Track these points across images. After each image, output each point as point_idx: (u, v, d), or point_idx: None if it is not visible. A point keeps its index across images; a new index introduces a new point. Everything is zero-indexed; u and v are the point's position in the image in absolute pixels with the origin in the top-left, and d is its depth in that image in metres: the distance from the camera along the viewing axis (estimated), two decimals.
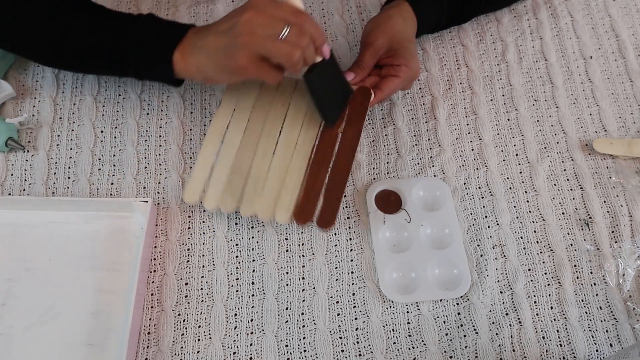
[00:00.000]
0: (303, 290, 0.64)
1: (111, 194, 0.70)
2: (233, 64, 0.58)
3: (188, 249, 0.67)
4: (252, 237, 0.67)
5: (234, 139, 0.68)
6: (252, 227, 0.68)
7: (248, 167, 0.66)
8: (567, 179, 0.71)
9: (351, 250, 0.67)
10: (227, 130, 0.68)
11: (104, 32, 0.63)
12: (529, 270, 0.65)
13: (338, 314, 0.63)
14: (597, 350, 0.61)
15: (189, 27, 0.63)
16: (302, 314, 0.63)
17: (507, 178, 0.71)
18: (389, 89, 0.69)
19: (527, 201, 0.70)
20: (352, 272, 0.65)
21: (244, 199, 0.64)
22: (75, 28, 0.64)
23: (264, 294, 0.64)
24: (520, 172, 0.72)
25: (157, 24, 0.64)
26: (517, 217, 0.69)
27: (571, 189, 0.71)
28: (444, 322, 0.63)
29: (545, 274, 0.65)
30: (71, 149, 0.73)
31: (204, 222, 0.68)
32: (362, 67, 0.69)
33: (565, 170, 0.72)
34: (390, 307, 0.63)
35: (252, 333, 0.62)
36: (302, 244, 0.67)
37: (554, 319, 0.63)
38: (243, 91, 0.71)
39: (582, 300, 0.64)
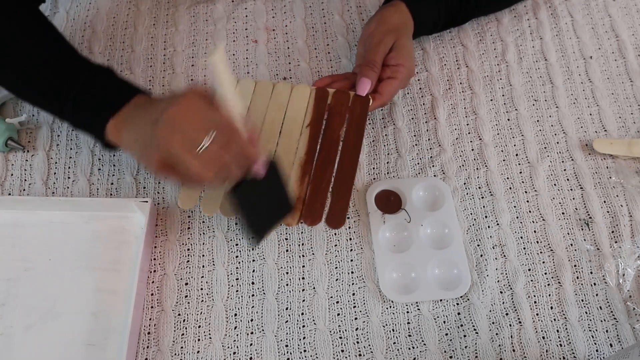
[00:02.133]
0: (303, 290, 0.64)
1: (111, 194, 0.70)
2: (147, 161, 0.53)
3: (188, 249, 0.67)
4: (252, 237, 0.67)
5: None
6: None
7: None
8: (567, 179, 0.71)
9: (351, 250, 0.67)
10: None
11: (58, 70, 0.60)
12: (529, 270, 0.65)
13: (338, 314, 0.63)
14: (597, 350, 0.61)
15: (134, 94, 0.58)
16: (302, 314, 0.63)
17: (507, 178, 0.71)
18: (389, 92, 0.69)
19: (527, 201, 0.70)
20: (352, 272, 0.65)
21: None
22: (35, 55, 0.61)
23: (264, 294, 0.64)
24: (520, 172, 0.72)
25: (104, 84, 0.60)
26: (517, 217, 0.69)
27: (571, 189, 0.71)
28: (444, 322, 0.63)
29: (545, 274, 0.65)
30: (71, 149, 0.73)
31: (204, 222, 0.68)
32: (374, 69, 0.69)
33: (565, 170, 0.72)
34: (390, 307, 0.63)
35: (252, 333, 0.62)
36: (302, 244, 0.67)
37: (554, 319, 0.63)
38: (238, 93, 0.70)
39: (582, 300, 0.64)
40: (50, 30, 0.64)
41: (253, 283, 0.65)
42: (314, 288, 0.64)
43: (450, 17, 0.77)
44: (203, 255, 0.66)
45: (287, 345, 0.61)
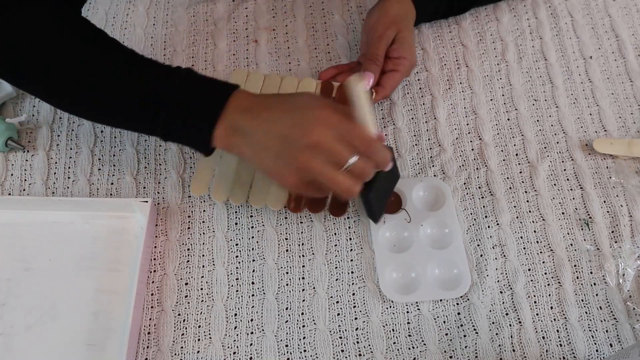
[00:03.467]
0: (303, 290, 0.64)
1: (111, 194, 0.70)
2: (279, 179, 0.53)
3: (188, 249, 0.67)
4: (252, 237, 0.67)
5: None
6: (252, 227, 0.68)
7: None
8: (567, 179, 0.71)
9: (351, 250, 0.67)
10: None
11: (135, 86, 0.55)
12: (529, 270, 0.65)
13: (338, 314, 0.63)
14: (597, 350, 0.61)
15: (230, 92, 0.54)
16: (302, 313, 0.63)
17: (507, 178, 0.71)
18: (391, 85, 0.70)
19: (527, 201, 0.70)
20: (352, 272, 0.65)
21: (252, 190, 0.65)
22: (105, 73, 0.55)
23: (264, 294, 0.64)
24: (520, 172, 0.72)
25: (196, 84, 0.55)
26: (517, 217, 0.69)
27: (571, 189, 0.71)
28: (444, 322, 0.63)
29: (545, 274, 0.65)
30: (71, 149, 0.73)
31: (204, 222, 0.68)
32: (378, 63, 0.69)
33: (565, 170, 0.72)
34: (390, 307, 0.63)
35: (252, 333, 0.62)
36: (302, 244, 0.67)
37: (554, 319, 0.63)
38: (247, 87, 0.72)
39: (582, 300, 0.64)
40: (106, 38, 0.58)
41: (253, 283, 0.65)
42: (314, 288, 0.64)
43: (449, 4, 0.79)
44: (203, 255, 0.66)
45: (287, 345, 0.61)
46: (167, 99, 0.54)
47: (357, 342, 0.62)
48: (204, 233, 0.68)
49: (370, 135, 0.53)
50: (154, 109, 0.55)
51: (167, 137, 0.57)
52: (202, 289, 0.64)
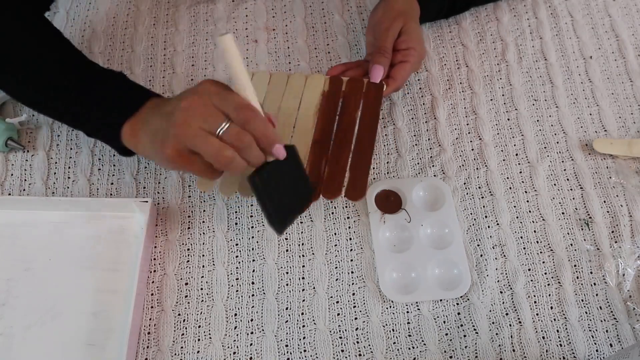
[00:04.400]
0: (303, 290, 0.64)
1: (111, 194, 0.70)
2: (163, 152, 0.52)
3: (188, 249, 0.67)
4: (252, 237, 0.67)
5: None
6: (252, 227, 0.68)
7: None
8: (567, 179, 0.71)
9: (351, 250, 0.67)
10: None
11: (67, 80, 0.60)
12: (529, 270, 0.65)
13: (338, 314, 0.63)
14: (597, 350, 0.61)
15: (149, 97, 0.58)
16: (302, 313, 0.63)
17: (507, 178, 0.71)
18: (402, 76, 0.70)
19: (527, 201, 0.70)
20: (352, 272, 0.65)
21: None
22: (45, 63, 0.60)
23: (264, 294, 0.64)
24: (520, 172, 0.72)
25: (120, 86, 0.60)
26: (517, 217, 0.69)
27: (571, 189, 0.71)
28: (444, 322, 0.63)
29: (545, 274, 0.65)
30: (71, 149, 0.73)
31: (204, 222, 0.68)
32: (386, 55, 0.70)
33: (565, 170, 0.72)
34: (390, 307, 0.63)
35: (252, 333, 0.62)
36: (302, 244, 0.67)
37: (554, 319, 0.63)
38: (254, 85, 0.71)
39: (582, 300, 0.64)
40: (57, 37, 0.63)
41: (253, 283, 0.65)
42: (314, 288, 0.64)
43: (452, 3, 0.79)
44: (203, 255, 0.66)
45: (287, 345, 0.61)
46: (94, 97, 0.59)
47: (357, 342, 0.62)
48: (204, 233, 0.68)
49: (244, 101, 0.52)
50: (80, 105, 0.59)
51: (90, 134, 0.63)
52: (202, 289, 0.64)
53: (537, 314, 0.63)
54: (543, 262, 0.66)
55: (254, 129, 0.51)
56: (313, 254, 0.66)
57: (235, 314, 0.63)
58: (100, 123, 0.59)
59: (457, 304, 0.64)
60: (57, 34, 0.64)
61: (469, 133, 0.75)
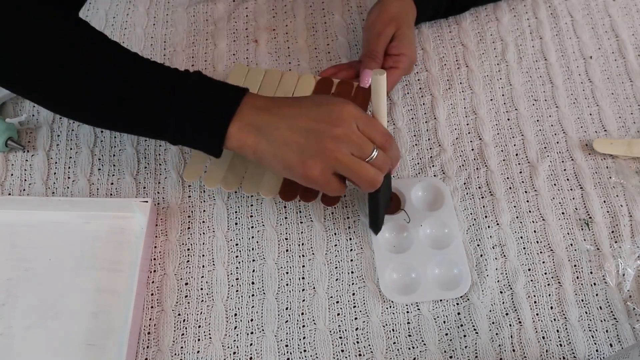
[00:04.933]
0: (303, 290, 0.64)
1: (111, 194, 0.70)
2: (303, 171, 0.53)
3: (188, 249, 0.67)
4: (252, 237, 0.67)
5: None
6: (252, 227, 0.68)
7: None
8: (567, 179, 0.71)
9: (351, 250, 0.67)
10: None
11: (141, 90, 0.54)
12: (529, 270, 0.65)
13: (338, 314, 0.63)
14: (597, 350, 0.61)
15: (243, 93, 0.55)
16: (302, 314, 0.63)
17: (507, 178, 0.71)
18: (391, 82, 0.71)
19: (527, 201, 0.70)
20: (352, 272, 0.65)
21: (245, 178, 0.65)
22: (111, 77, 0.54)
23: (264, 294, 0.64)
24: (520, 172, 0.72)
25: (207, 86, 0.55)
26: (517, 217, 0.69)
27: (571, 189, 0.71)
28: (444, 322, 0.63)
29: (545, 274, 0.65)
30: (71, 149, 0.73)
31: (204, 222, 0.68)
32: (376, 60, 0.70)
33: (565, 170, 0.72)
34: (390, 307, 0.63)
35: (252, 333, 0.62)
36: (302, 244, 0.67)
37: (554, 319, 0.63)
38: (246, 82, 0.72)
39: (582, 300, 0.64)
40: (107, 42, 0.57)
41: (253, 283, 0.65)
42: (314, 288, 0.64)
43: (450, 3, 0.79)
44: (203, 255, 0.66)
45: (287, 345, 0.61)
46: (178, 101, 0.54)
47: (357, 342, 0.62)
48: (204, 233, 0.68)
49: (387, 130, 0.56)
50: (164, 113, 0.54)
51: (176, 142, 0.56)
52: (202, 289, 0.64)
53: (537, 314, 0.63)
54: (543, 262, 0.66)
55: (393, 156, 0.57)
56: (313, 254, 0.66)
57: (235, 314, 0.63)
58: (197, 130, 0.55)
59: (457, 304, 0.64)
60: (104, 38, 0.57)
61: (469, 133, 0.75)
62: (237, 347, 0.61)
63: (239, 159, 0.66)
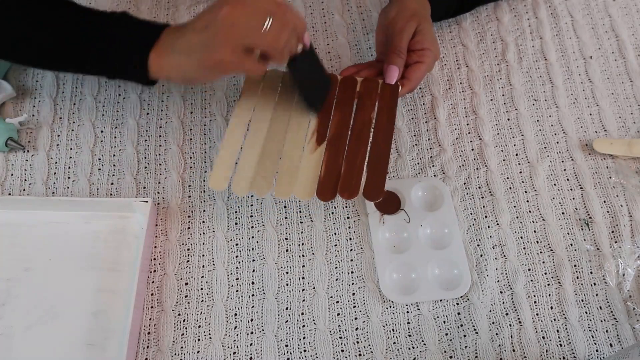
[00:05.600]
0: (303, 290, 0.64)
1: (111, 194, 0.70)
2: (214, 58, 0.56)
3: (188, 249, 0.67)
4: (252, 237, 0.67)
5: (261, 126, 0.66)
6: (252, 227, 0.68)
7: (279, 152, 0.64)
8: (567, 179, 0.71)
9: (351, 250, 0.67)
10: (252, 120, 0.67)
11: (75, 30, 0.61)
12: (529, 270, 0.65)
13: (338, 314, 0.63)
14: (597, 350, 0.61)
15: (164, 27, 0.61)
16: (302, 313, 0.63)
17: (507, 178, 0.71)
18: (417, 77, 0.70)
19: (527, 201, 0.70)
20: (352, 272, 0.65)
21: (278, 182, 0.63)
22: (46, 22, 0.61)
23: (264, 294, 0.64)
24: (520, 172, 0.72)
25: (130, 23, 0.62)
26: (517, 217, 0.69)
27: (571, 189, 0.71)
28: (444, 322, 0.63)
29: (545, 274, 0.65)
30: (71, 149, 0.73)
31: (204, 222, 0.68)
32: (401, 56, 0.69)
33: (565, 170, 0.72)
34: (390, 307, 0.63)
35: (252, 333, 0.62)
36: (302, 244, 0.67)
37: (554, 319, 0.63)
38: (264, 84, 0.70)
39: (582, 300, 0.64)
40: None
41: (253, 283, 0.65)
42: (314, 288, 0.65)
43: (460, 3, 0.79)
44: (203, 255, 0.66)
45: (287, 345, 0.61)
46: (105, 35, 0.60)
47: (357, 342, 0.62)
48: (204, 233, 0.68)
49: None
50: (95, 48, 0.60)
51: (109, 73, 0.63)
52: (202, 289, 0.65)
53: (537, 314, 0.63)
54: (543, 262, 0.66)
55: (291, 20, 0.57)
56: (313, 254, 0.66)
57: (235, 314, 0.63)
58: (123, 60, 0.60)
59: (457, 304, 0.64)
60: None
61: (469, 133, 0.75)
62: (237, 347, 0.61)
63: (268, 161, 0.64)
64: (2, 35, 0.62)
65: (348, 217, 0.68)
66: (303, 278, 0.65)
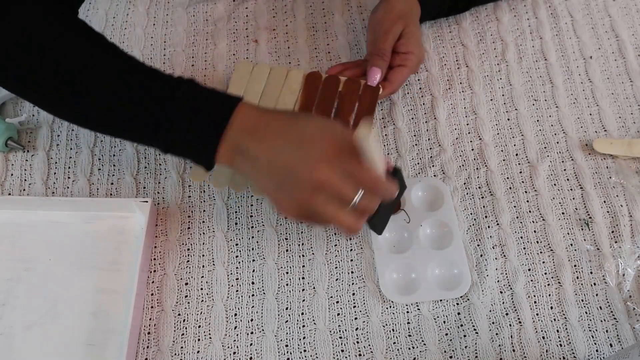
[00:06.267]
0: (303, 290, 0.64)
1: (111, 194, 0.70)
2: (279, 207, 0.53)
3: (188, 249, 0.67)
4: (252, 237, 0.67)
5: None
6: (252, 227, 0.68)
7: None
8: (567, 179, 0.71)
9: (351, 250, 0.67)
10: None
11: (136, 96, 0.53)
12: (529, 270, 0.65)
13: (338, 314, 0.63)
14: (597, 350, 0.61)
15: (235, 104, 0.53)
16: (302, 313, 0.63)
17: (507, 178, 0.71)
18: (399, 80, 0.70)
19: (527, 201, 0.70)
20: (352, 272, 0.65)
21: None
22: (105, 80, 0.53)
23: (264, 294, 0.64)
24: (520, 172, 0.72)
25: (199, 98, 0.53)
26: (517, 217, 0.69)
27: (571, 189, 0.71)
28: (444, 322, 0.63)
29: (545, 274, 0.65)
30: (71, 149, 0.73)
31: (203, 222, 0.68)
32: (384, 58, 0.69)
33: (565, 170, 0.72)
34: (390, 307, 0.63)
35: (252, 333, 0.62)
36: (302, 244, 0.67)
37: (554, 319, 0.63)
38: (249, 85, 0.72)
39: (582, 300, 0.64)
40: (106, 43, 0.55)
41: (253, 283, 0.65)
42: (314, 288, 0.64)
43: (453, 2, 0.79)
44: (203, 255, 0.66)
45: (287, 345, 0.61)
46: (168, 112, 0.52)
47: (357, 342, 0.62)
48: (204, 233, 0.68)
49: (377, 175, 0.52)
50: (155, 122, 0.53)
51: (167, 151, 0.55)
52: (202, 289, 0.64)
53: (537, 314, 0.63)
54: (543, 262, 0.66)
55: (383, 195, 0.54)
56: (313, 254, 0.66)
57: (235, 314, 0.63)
58: (187, 146, 0.54)
59: (457, 304, 0.64)
60: (103, 41, 0.56)
61: (469, 133, 0.75)
62: (237, 347, 0.61)
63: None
64: (58, 90, 0.54)
65: None
66: (303, 278, 0.65)
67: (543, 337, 0.62)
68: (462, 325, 0.62)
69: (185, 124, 0.52)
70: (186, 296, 0.64)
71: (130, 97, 0.53)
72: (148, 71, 0.54)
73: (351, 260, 0.66)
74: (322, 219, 0.52)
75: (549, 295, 0.64)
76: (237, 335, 0.62)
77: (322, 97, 0.69)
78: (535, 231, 0.68)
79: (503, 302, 0.64)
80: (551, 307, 0.63)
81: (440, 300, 0.64)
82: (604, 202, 0.70)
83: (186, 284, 0.65)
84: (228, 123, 0.51)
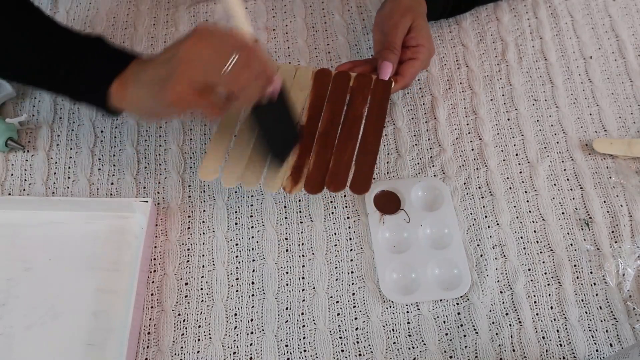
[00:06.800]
0: (303, 290, 0.64)
1: (111, 194, 0.70)
2: (169, 94, 0.52)
3: (188, 249, 0.67)
4: (252, 237, 0.67)
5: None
6: (252, 227, 0.68)
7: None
8: (567, 179, 0.71)
9: (351, 250, 0.67)
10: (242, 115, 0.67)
11: (46, 49, 0.58)
12: (529, 270, 0.65)
13: (338, 314, 0.63)
14: (597, 350, 0.61)
15: (133, 57, 0.58)
16: (302, 313, 0.63)
17: (507, 178, 0.71)
18: (411, 74, 0.69)
19: (527, 201, 0.70)
20: (352, 272, 0.65)
21: (265, 175, 0.64)
22: (19, 36, 0.58)
23: (264, 294, 0.64)
24: (520, 172, 0.72)
25: (102, 49, 0.59)
26: (517, 217, 0.69)
27: (571, 189, 0.71)
28: (444, 322, 0.63)
29: (545, 274, 0.65)
30: (71, 149, 0.73)
31: (204, 222, 0.68)
32: (395, 52, 0.69)
33: (565, 170, 0.72)
34: (390, 306, 0.63)
35: (252, 333, 0.62)
36: (302, 244, 0.67)
37: (554, 319, 0.63)
38: None
39: (582, 300, 0.64)
40: (31, 9, 0.61)
41: (253, 283, 0.65)
42: (314, 288, 0.65)
43: (457, 2, 0.79)
44: (203, 255, 0.66)
45: (287, 345, 0.61)
46: (75, 55, 0.57)
47: (357, 342, 0.62)
48: (204, 233, 0.68)
49: (247, 36, 0.54)
50: (61, 66, 0.57)
51: (74, 96, 0.60)
52: (202, 289, 0.65)
53: (537, 314, 0.63)
54: (543, 262, 0.66)
55: (256, 67, 0.53)
56: (313, 254, 0.66)
57: (235, 314, 0.63)
58: (86, 85, 0.58)
59: (457, 304, 0.64)
60: (28, 5, 0.61)
61: (469, 133, 0.75)
62: (237, 347, 0.61)
63: (257, 154, 0.65)
64: None
65: (348, 217, 0.68)
66: (303, 278, 0.65)
67: (543, 337, 0.62)
68: (462, 325, 0.62)
69: (88, 67, 0.57)
70: (186, 296, 0.64)
71: (42, 50, 0.58)
72: (62, 30, 0.60)
73: (351, 260, 0.66)
74: (203, 77, 0.52)
75: (549, 295, 0.64)
76: (237, 335, 0.62)
77: (333, 93, 0.69)
78: (535, 231, 0.68)
79: (503, 302, 0.64)
80: (551, 307, 0.63)
81: (440, 300, 0.64)
82: (604, 202, 0.70)
83: (186, 284, 0.65)
84: (125, 66, 0.56)
